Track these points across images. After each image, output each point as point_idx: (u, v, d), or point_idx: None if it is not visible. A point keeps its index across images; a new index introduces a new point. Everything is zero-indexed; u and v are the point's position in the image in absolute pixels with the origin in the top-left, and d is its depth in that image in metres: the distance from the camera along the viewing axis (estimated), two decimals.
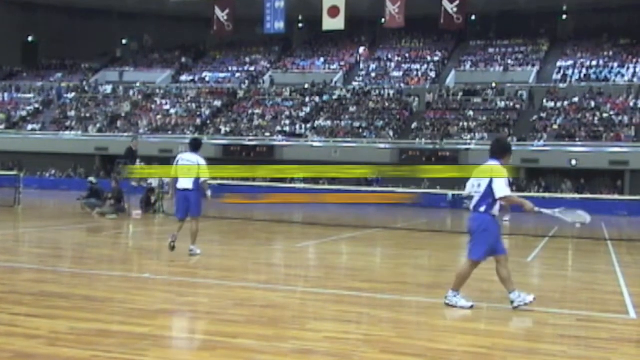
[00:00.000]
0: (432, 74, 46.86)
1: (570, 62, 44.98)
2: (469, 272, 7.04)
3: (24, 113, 47.81)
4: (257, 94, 46.80)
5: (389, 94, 44.16)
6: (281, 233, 16.73)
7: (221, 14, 40.01)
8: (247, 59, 52.69)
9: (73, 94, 49.44)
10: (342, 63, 49.83)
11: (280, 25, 40.04)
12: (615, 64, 43.38)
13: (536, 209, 7.01)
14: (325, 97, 44.74)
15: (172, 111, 45.67)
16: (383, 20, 39.73)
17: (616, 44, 45.73)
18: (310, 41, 53.33)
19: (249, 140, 40.45)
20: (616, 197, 30.84)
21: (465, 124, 39.62)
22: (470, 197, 7.13)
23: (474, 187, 7.00)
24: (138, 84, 49.65)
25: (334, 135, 40.02)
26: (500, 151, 7.08)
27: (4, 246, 11.79)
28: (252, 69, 51.38)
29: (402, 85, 45.26)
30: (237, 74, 50.63)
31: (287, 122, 42.49)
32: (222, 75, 50.87)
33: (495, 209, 6.92)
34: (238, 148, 39.70)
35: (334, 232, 16.34)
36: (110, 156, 35.35)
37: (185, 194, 10.33)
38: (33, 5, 53.22)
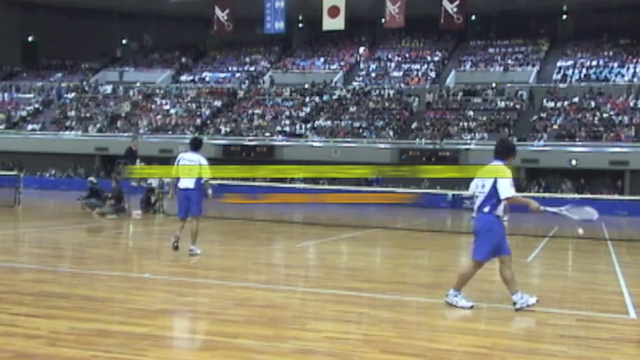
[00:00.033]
0: (432, 74, 46.85)
1: (570, 62, 44.97)
2: (473, 272, 7.04)
3: (24, 113, 47.81)
4: (257, 94, 46.79)
5: (389, 94, 44.14)
6: (281, 233, 16.72)
7: (221, 14, 40.03)
8: (247, 59, 52.68)
9: (73, 94, 49.44)
10: (342, 63, 49.82)
11: (280, 25, 40.06)
12: (615, 64, 43.37)
13: (542, 208, 7.01)
14: (325, 97, 44.73)
15: (172, 111, 45.66)
16: (383, 20, 39.75)
17: (616, 44, 45.72)
18: (310, 41, 53.31)
19: (249, 140, 40.45)
20: (616, 197, 30.78)
21: (465, 124, 39.61)
22: (474, 197, 7.13)
23: (478, 187, 7.00)
24: (138, 84, 49.64)
25: (334, 135, 40.01)
26: (504, 152, 7.08)
27: (4, 246, 11.78)
28: (252, 69, 51.37)
29: (402, 85, 45.25)
30: (237, 74, 50.62)
31: (287, 122, 42.48)
32: (222, 75, 50.85)
33: (500, 209, 6.91)
34: (238, 148, 39.70)
35: (334, 232, 16.33)
36: (110, 156, 35.38)
37: (187, 193, 10.37)
38: (33, 5, 53.22)
